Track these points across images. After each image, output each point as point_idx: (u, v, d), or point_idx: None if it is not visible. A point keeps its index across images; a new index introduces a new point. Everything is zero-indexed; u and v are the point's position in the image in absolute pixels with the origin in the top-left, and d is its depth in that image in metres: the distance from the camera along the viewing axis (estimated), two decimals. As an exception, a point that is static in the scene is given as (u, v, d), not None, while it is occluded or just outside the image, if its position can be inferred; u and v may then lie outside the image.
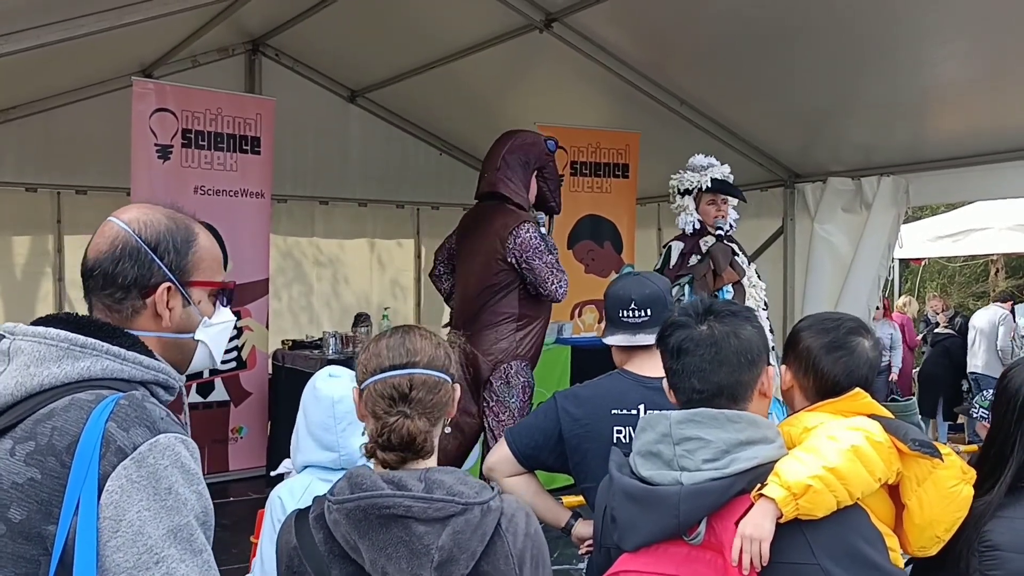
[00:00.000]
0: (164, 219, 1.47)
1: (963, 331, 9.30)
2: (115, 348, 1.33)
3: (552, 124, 6.06)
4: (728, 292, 4.32)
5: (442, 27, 5.86)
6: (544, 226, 4.40)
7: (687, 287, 4.28)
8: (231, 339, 5.38)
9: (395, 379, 1.59)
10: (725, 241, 4.47)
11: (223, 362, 5.31)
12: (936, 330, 9.81)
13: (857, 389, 1.80)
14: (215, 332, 1.52)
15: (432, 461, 1.60)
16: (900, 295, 10.91)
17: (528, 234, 4.10)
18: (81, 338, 1.32)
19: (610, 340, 2.41)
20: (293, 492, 2.22)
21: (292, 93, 6.76)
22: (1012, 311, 9.11)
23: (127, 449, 1.21)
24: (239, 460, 5.71)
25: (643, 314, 2.35)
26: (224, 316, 1.54)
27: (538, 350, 4.34)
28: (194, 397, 5.22)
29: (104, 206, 6.37)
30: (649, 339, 2.23)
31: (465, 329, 4.17)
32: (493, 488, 1.54)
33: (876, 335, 1.96)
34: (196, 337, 1.48)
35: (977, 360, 8.81)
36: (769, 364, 1.69)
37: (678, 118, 5.82)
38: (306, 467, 2.33)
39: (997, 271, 15.51)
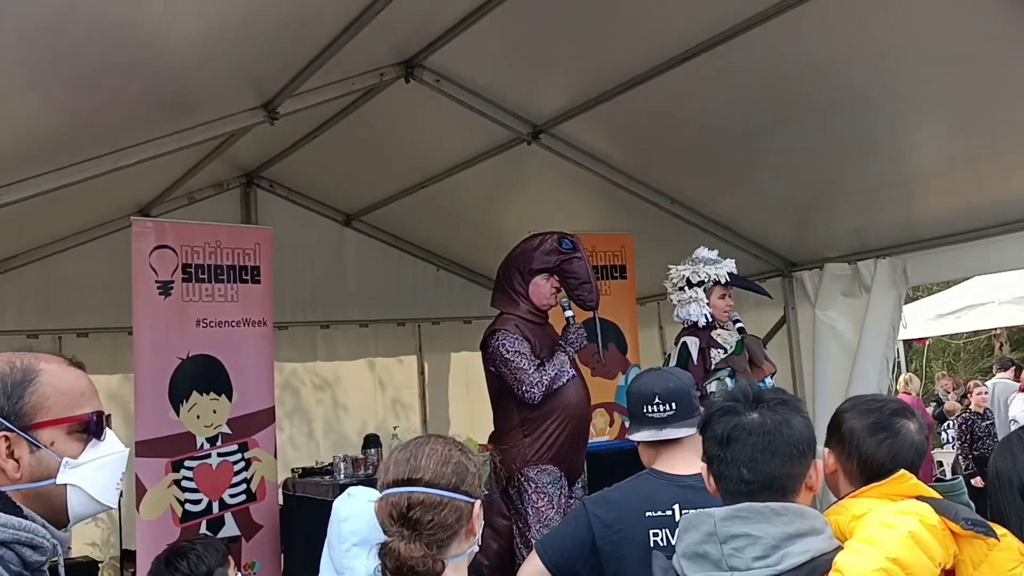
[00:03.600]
0: None
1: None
2: None
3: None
4: (770, 382, 4.32)
5: (431, 147, 5.98)
6: (569, 310, 4.54)
7: (729, 380, 4.25)
8: (238, 472, 5.33)
9: (395, 497, 1.56)
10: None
11: (233, 496, 5.24)
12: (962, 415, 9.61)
13: (902, 471, 1.75)
14: (89, 471, 1.40)
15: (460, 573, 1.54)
16: (906, 373, 10.84)
17: (496, 343, 4.26)
18: None
19: (636, 437, 2.37)
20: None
21: (288, 221, 6.85)
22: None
23: None
24: (252, 597, 5.53)
25: (668, 408, 2.31)
26: (101, 451, 1.42)
27: (563, 451, 4.31)
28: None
29: (106, 346, 6.43)
30: (676, 433, 2.19)
31: (494, 442, 4.34)
32: None
33: (921, 419, 1.93)
34: (59, 481, 1.36)
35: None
36: (815, 458, 1.64)
37: (670, 216, 5.89)
38: (325, 586, 2.29)
39: (1001, 345, 15.49)
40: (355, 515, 2.25)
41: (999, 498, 1.89)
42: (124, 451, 1.49)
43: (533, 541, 4.00)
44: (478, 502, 1.60)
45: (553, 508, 4.21)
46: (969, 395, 9.70)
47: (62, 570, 1.38)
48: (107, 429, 1.47)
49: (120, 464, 1.47)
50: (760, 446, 1.58)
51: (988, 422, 8.67)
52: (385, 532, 1.55)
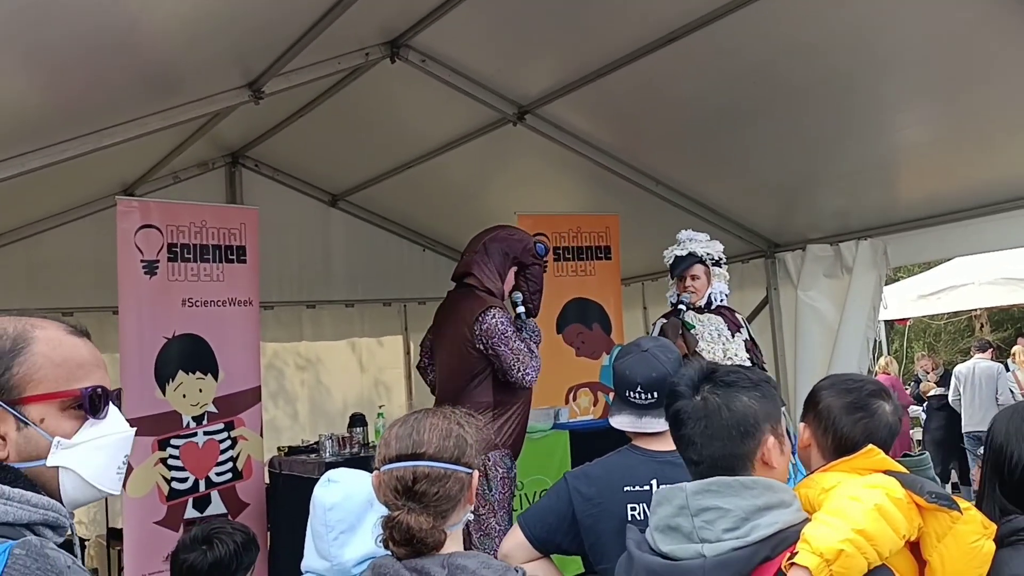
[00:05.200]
0: None
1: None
2: None
3: (532, 212, 6.16)
4: None
5: (417, 127, 5.99)
6: (520, 306, 4.46)
7: None
8: (224, 450, 5.36)
9: (400, 471, 1.59)
10: (709, 313, 4.57)
11: (219, 474, 5.28)
12: (931, 394, 9.78)
13: (871, 445, 1.80)
14: (84, 452, 1.25)
15: (452, 546, 1.58)
16: (886, 356, 10.95)
17: (494, 320, 4.13)
18: None
19: (616, 423, 2.41)
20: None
21: (273, 201, 6.84)
22: (1002, 362, 9.15)
23: None
24: (239, 575, 5.56)
25: (649, 396, 2.35)
26: (100, 430, 1.27)
27: (519, 437, 4.32)
28: (191, 512, 5.12)
29: (91, 326, 6.32)
30: (654, 426, 2.25)
31: None
32: (517, 570, 1.52)
33: (896, 401, 1.97)
34: (50, 463, 1.22)
35: (976, 417, 8.76)
36: (773, 434, 1.64)
37: (655, 198, 5.92)
38: (308, 572, 2.31)
39: (982, 325, 15.64)
40: (340, 503, 2.27)
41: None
42: (128, 432, 1.34)
43: (496, 527, 4.04)
44: (475, 472, 1.65)
45: (511, 494, 4.23)
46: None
47: (78, 549, 1.26)
48: (110, 406, 1.31)
49: (123, 446, 1.32)
50: (698, 430, 1.63)
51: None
52: (388, 505, 1.58)
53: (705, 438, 1.62)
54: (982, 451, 1.98)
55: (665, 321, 4.55)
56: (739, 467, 1.61)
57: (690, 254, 4.62)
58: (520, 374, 4.13)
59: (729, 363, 4.36)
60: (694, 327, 4.52)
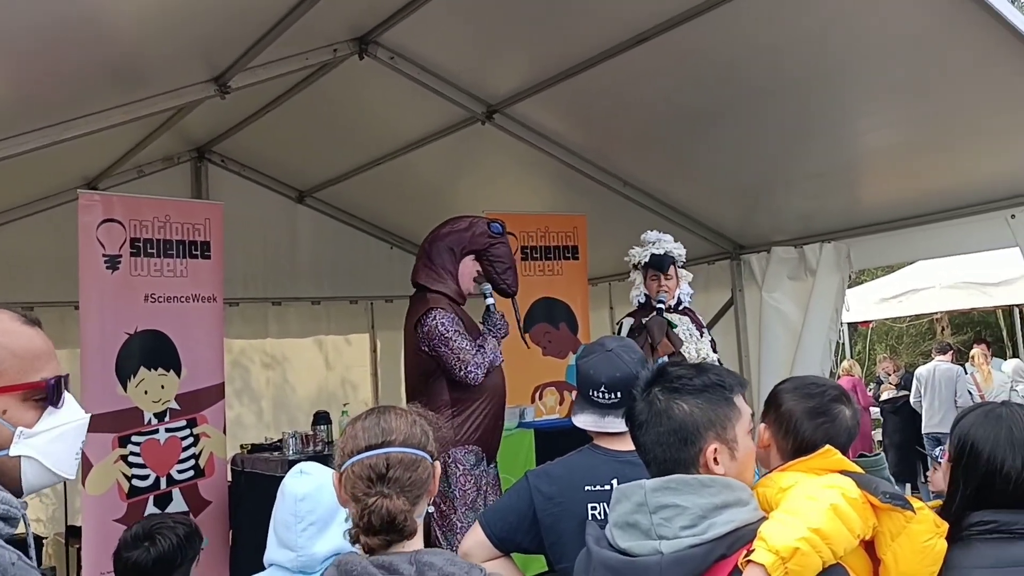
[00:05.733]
0: None
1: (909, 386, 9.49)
2: None
3: (500, 211, 6.15)
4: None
5: (385, 124, 5.97)
6: (491, 296, 4.48)
7: None
8: (186, 447, 5.30)
9: (372, 459, 1.58)
10: (675, 314, 4.59)
11: (181, 471, 5.22)
12: (887, 396, 9.92)
13: (828, 446, 1.82)
14: (45, 441, 1.28)
15: (418, 542, 1.58)
16: (849, 358, 11.09)
17: (434, 322, 4.15)
18: None
19: (578, 422, 2.42)
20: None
21: (240, 197, 6.79)
22: (960, 364, 9.30)
23: None
24: (201, 573, 5.48)
25: (612, 396, 2.36)
26: (59, 418, 1.30)
27: (487, 432, 4.33)
28: (151, 510, 5.05)
29: (52, 321, 6.27)
30: (617, 424, 2.25)
31: None
32: (481, 570, 1.53)
33: (855, 405, 2.00)
34: (12, 453, 1.25)
35: (936, 419, 8.89)
36: (719, 440, 1.65)
37: (622, 199, 5.95)
38: (271, 565, 2.29)
39: (943, 329, 15.87)
40: (311, 495, 2.25)
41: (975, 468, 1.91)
42: (85, 418, 1.38)
43: (458, 523, 4.06)
44: (438, 462, 1.66)
45: (477, 490, 4.23)
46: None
47: (31, 540, 1.28)
48: (65, 394, 1.34)
49: (80, 433, 1.35)
50: (642, 435, 1.67)
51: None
52: (356, 498, 1.57)
53: (650, 442, 1.65)
54: (942, 452, 2.01)
55: (632, 320, 4.55)
56: (682, 472, 1.63)
57: (666, 254, 4.66)
58: (462, 373, 4.14)
59: (702, 362, 4.42)
60: (676, 326, 4.56)
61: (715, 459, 1.63)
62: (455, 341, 4.14)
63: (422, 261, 4.47)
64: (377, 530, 1.53)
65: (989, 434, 1.90)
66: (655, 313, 4.57)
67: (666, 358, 4.50)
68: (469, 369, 4.14)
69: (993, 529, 1.83)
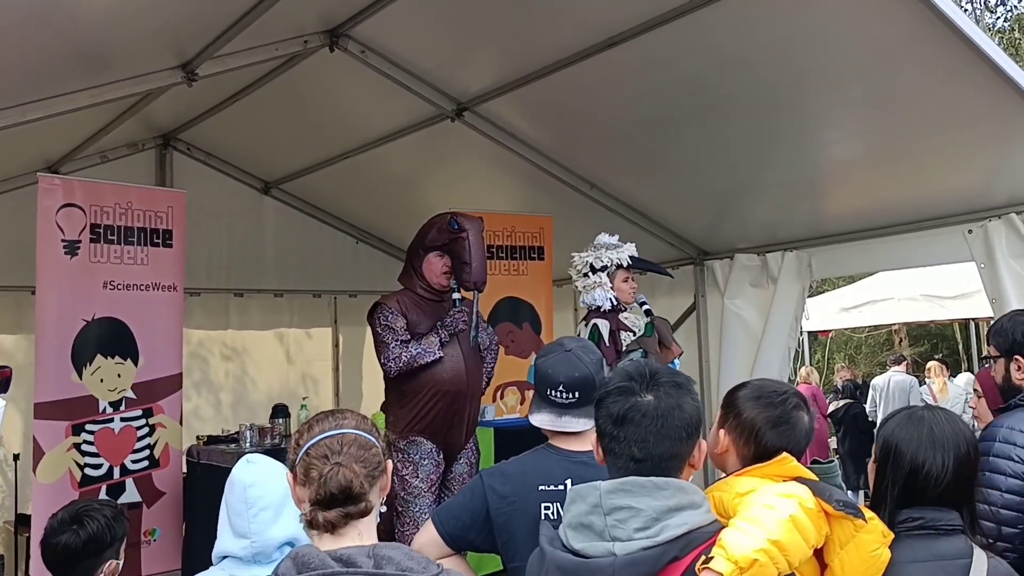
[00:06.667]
0: None
1: (853, 395, 9.61)
2: None
3: (468, 210, 6.15)
4: (678, 364, 4.47)
5: (354, 118, 5.93)
6: (457, 291, 4.61)
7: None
8: (141, 437, 5.24)
9: (327, 439, 1.60)
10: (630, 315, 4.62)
11: (135, 461, 5.16)
12: (830, 410, 10.01)
13: (784, 454, 1.84)
14: None
15: (374, 534, 1.58)
16: (807, 366, 11.23)
17: (374, 314, 4.47)
18: None
19: (535, 421, 2.42)
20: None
21: (205, 186, 6.72)
22: (916, 375, 9.45)
23: None
24: (153, 564, 5.44)
25: (571, 396, 2.36)
26: None
27: (433, 424, 4.44)
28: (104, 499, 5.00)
29: (8, 305, 6.23)
30: (574, 425, 2.26)
31: (383, 410, 4.60)
32: (438, 566, 1.53)
33: (811, 411, 2.03)
34: None
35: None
36: (702, 438, 1.71)
37: (589, 201, 5.97)
38: (224, 558, 2.27)
39: (901, 340, 16.12)
40: (260, 481, 2.25)
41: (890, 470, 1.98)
42: (4, 401, 1.37)
43: (399, 507, 4.32)
44: (389, 461, 1.67)
45: (419, 478, 4.37)
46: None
47: None
48: None
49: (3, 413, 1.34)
50: (653, 429, 1.64)
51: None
52: (312, 477, 1.57)
53: (659, 437, 1.63)
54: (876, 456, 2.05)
55: (607, 323, 4.52)
56: (675, 467, 1.65)
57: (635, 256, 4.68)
58: (381, 362, 4.41)
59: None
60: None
61: (700, 455, 1.68)
62: (380, 335, 4.40)
63: (404, 266, 4.76)
64: (334, 498, 1.53)
65: (912, 435, 1.97)
66: (648, 315, 4.64)
67: (677, 360, 4.58)
68: (383, 361, 4.39)
69: (920, 525, 1.89)
